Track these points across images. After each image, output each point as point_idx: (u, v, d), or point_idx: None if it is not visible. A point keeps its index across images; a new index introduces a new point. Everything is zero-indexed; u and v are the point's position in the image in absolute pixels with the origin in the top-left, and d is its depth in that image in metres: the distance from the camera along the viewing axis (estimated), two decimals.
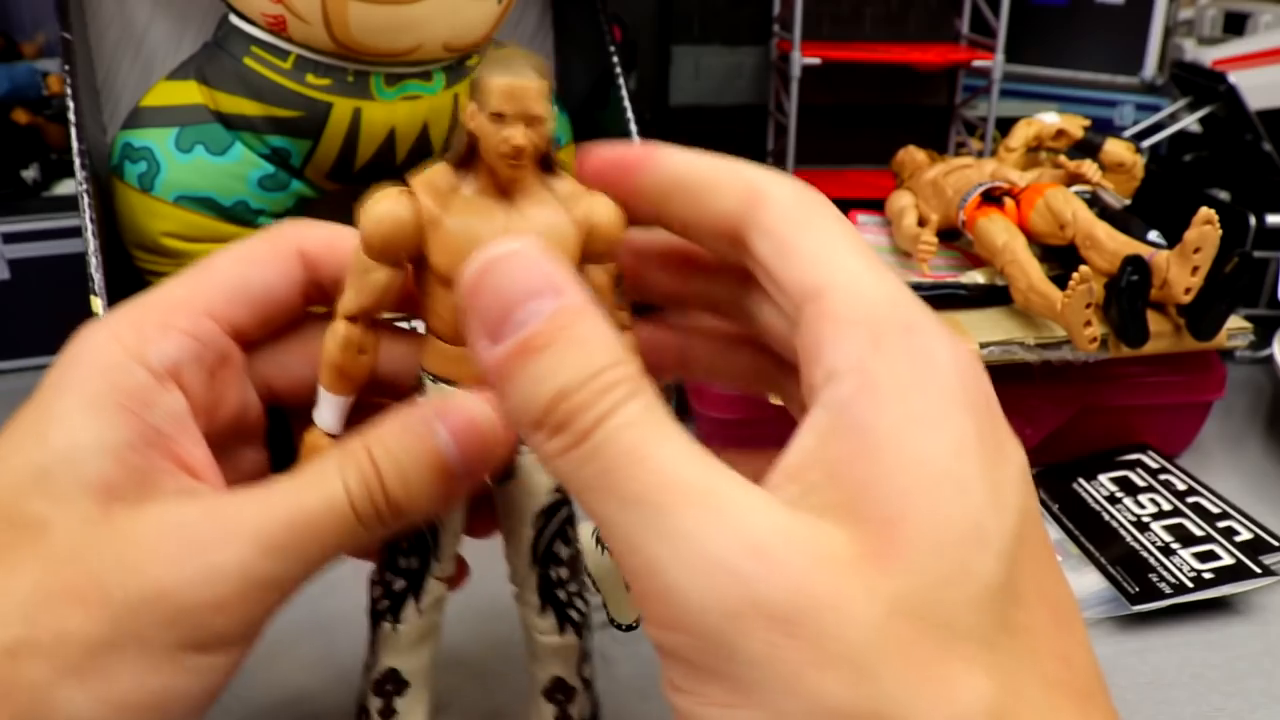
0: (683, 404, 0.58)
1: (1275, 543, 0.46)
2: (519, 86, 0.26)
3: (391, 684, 0.31)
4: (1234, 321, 0.51)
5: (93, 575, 0.24)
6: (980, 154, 0.72)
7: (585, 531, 0.35)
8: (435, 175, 0.29)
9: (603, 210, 0.29)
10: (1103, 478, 0.52)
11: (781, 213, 0.26)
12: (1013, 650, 0.21)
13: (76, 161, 0.50)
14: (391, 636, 0.30)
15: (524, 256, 0.23)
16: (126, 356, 0.27)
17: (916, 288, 0.53)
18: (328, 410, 0.30)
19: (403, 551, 0.30)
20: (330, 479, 0.26)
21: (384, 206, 0.28)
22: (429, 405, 0.27)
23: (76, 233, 0.61)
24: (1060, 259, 0.54)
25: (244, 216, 0.54)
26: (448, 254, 0.27)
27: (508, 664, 0.39)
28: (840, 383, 0.22)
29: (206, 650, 0.25)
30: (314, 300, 0.31)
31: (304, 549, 0.26)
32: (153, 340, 0.27)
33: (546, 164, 0.29)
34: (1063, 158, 0.59)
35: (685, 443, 0.21)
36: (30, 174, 0.68)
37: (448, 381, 0.29)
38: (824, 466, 0.21)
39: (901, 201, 0.60)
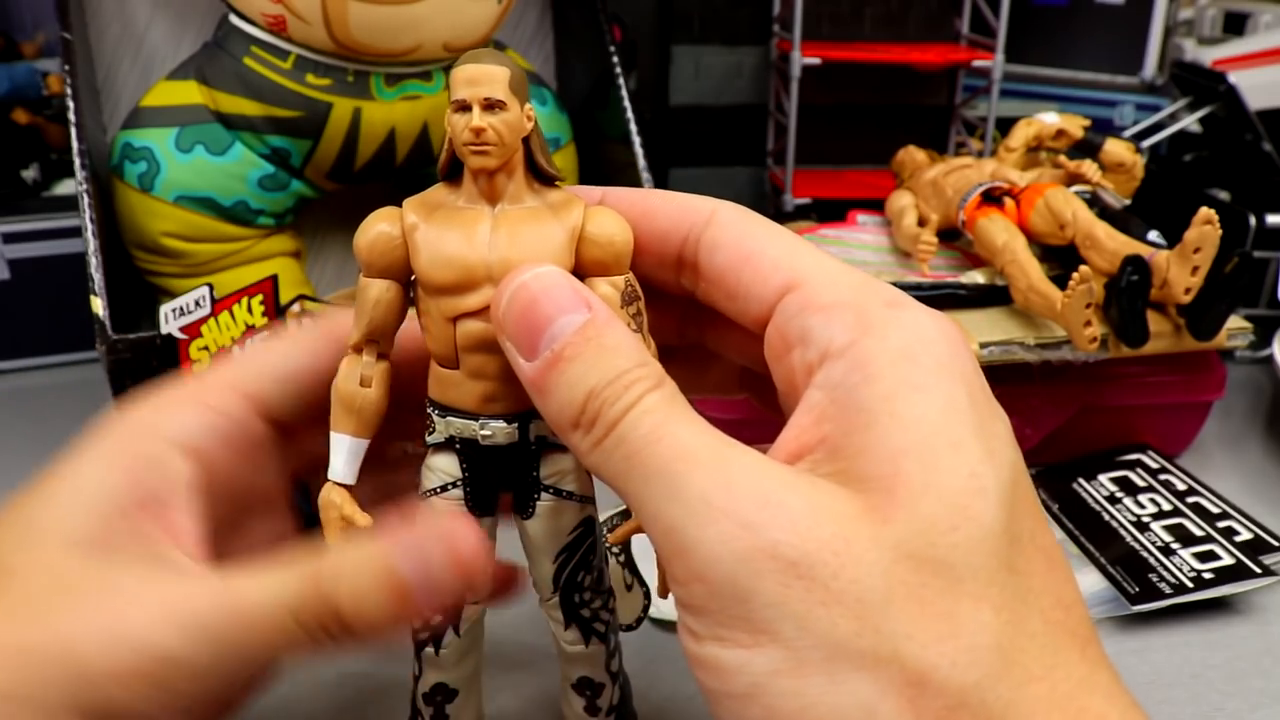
0: None
1: (1275, 543, 0.46)
2: (475, 71, 0.27)
3: (441, 695, 0.32)
4: (1234, 321, 0.51)
5: (14, 626, 0.24)
6: (980, 154, 0.72)
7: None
8: (430, 192, 0.29)
9: (602, 222, 0.28)
10: (1103, 478, 0.52)
11: (731, 226, 0.27)
12: (1016, 589, 0.22)
13: (76, 161, 0.50)
14: (435, 659, 0.31)
15: (550, 278, 0.25)
16: (146, 427, 0.28)
17: (916, 288, 0.53)
18: (337, 457, 0.29)
19: None
20: (279, 575, 0.25)
21: (373, 221, 0.28)
22: (396, 526, 0.26)
23: (76, 233, 0.61)
24: (1060, 259, 0.54)
25: (244, 216, 0.54)
26: (427, 260, 0.27)
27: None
28: (833, 362, 0.23)
29: None
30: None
31: (230, 640, 0.24)
32: (177, 414, 0.28)
33: (537, 172, 0.29)
34: (1063, 158, 0.59)
35: (700, 424, 0.23)
36: (30, 174, 0.68)
37: (440, 407, 0.29)
38: (823, 442, 0.23)
39: (901, 201, 0.60)
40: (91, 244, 0.48)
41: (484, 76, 0.27)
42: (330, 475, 0.29)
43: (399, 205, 0.29)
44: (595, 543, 0.31)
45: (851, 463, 0.22)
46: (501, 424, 0.28)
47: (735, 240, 0.27)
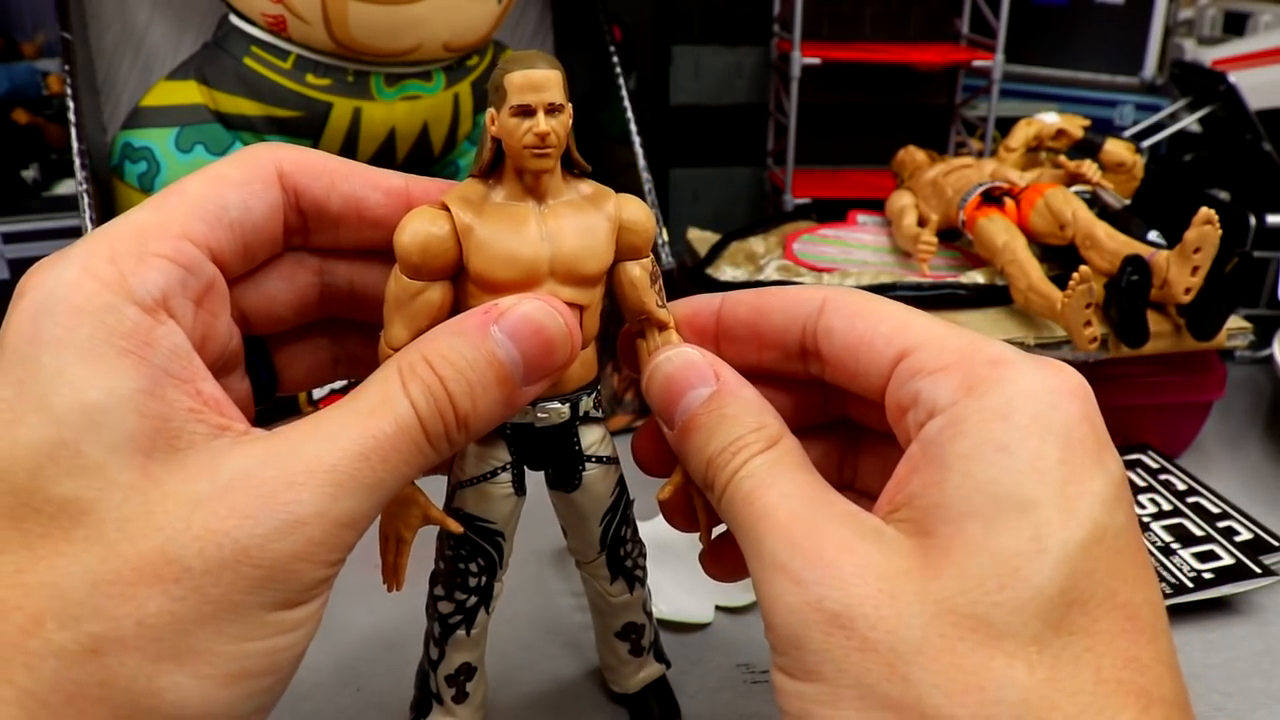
0: None
1: (1275, 543, 0.46)
2: (537, 76, 0.27)
3: (464, 674, 0.34)
4: (1234, 321, 0.51)
5: (160, 549, 0.22)
6: (980, 154, 0.72)
7: None
8: (465, 188, 0.29)
9: (634, 209, 0.30)
10: None
11: (842, 311, 0.29)
12: (1064, 648, 0.22)
13: (76, 161, 0.50)
14: (465, 640, 0.33)
15: (683, 356, 0.29)
16: (110, 294, 0.23)
17: (916, 288, 0.53)
18: None
19: (473, 573, 0.32)
20: (396, 401, 0.25)
21: (418, 224, 0.28)
22: (480, 310, 0.27)
23: (76, 233, 0.61)
24: (1060, 259, 0.54)
25: None
26: (485, 260, 0.28)
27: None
28: (934, 420, 0.25)
29: (297, 604, 0.24)
30: (293, 227, 0.29)
31: (378, 480, 0.24)
32: (134, 272, 0.24)
33: (569, 165, 0.30)
34: (1063, 158, 0.59)
35: (796, 483, 0.26)
36: (30, 174, 0.68)
37: None
38: (908, 493, 0.25)
39: (901, 201, 0.60)
40: None
41: (545, 81, 0.28)
42: None
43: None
44: (629, 498, 0.34)
45: (925, 516, 0.24)
46: (556, 405, 0.30)
47: (847, 324, 0.28)
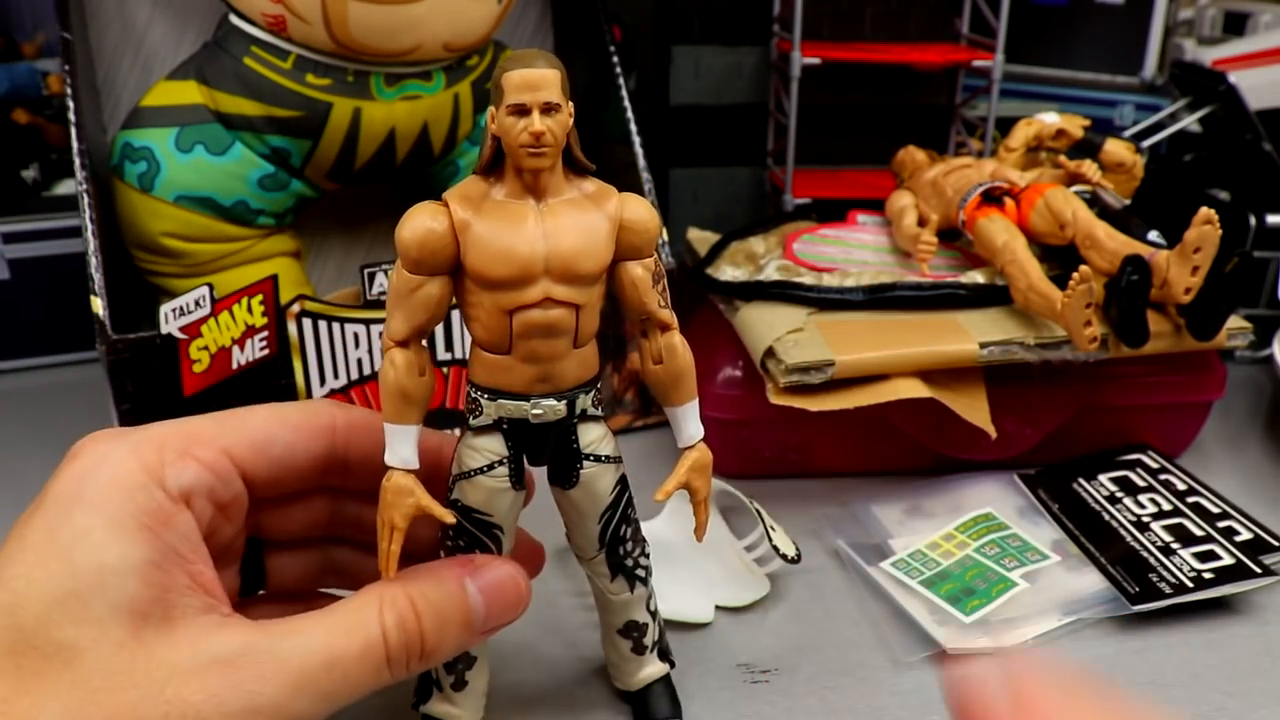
0: None
1: (1275, 542, 0.46)
2: (534, 75, 0.28)
3: (463, 663, 0.34)
4: (1234, 321, 0.51)
5: (133, 704, 0.25)
6: (980, 154, 0.71)
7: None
8: (466, 186, 0.30)
9: (636, 208, 0.30)
10: (1103, 478, 0.52)
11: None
12: None
13: (76, 161, 0.50)
14: None
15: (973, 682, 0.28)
16: (147, 477, 0.28)
17: (916, 287, 0.53)
18: (402, 445, 0.30)
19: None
20: (369, 622, 0.28)
21: (417, 219, 0.29)
22: (458, 562, 0.31)
23: (76, 233, 0.61)
24: (1060, 259, 0.54)
25: (244, 216, 0.54)
26: (481, 256, 0.29)
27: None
28: None
29: None
30: (333, 471, 0.33)
31: (334, 690, 0.27)
32: (173, 464, 0.28)
33: (571, 163, 0.30)
34: (1062, 157, 0.59)
35: None
36: (30, 174, 0.68)
37: (489, 391, 0.31)
38: None
39: (901, 201, 0.60)
40: (91, 244, 0.48)
41: (542, 81, 0.28)
42: (399, 464, 0.30)
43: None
44: (630, 498, 0.34)
45: None
46: (552, 402, 0.31)
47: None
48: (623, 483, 0.34)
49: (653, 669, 0.37)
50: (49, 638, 0.25)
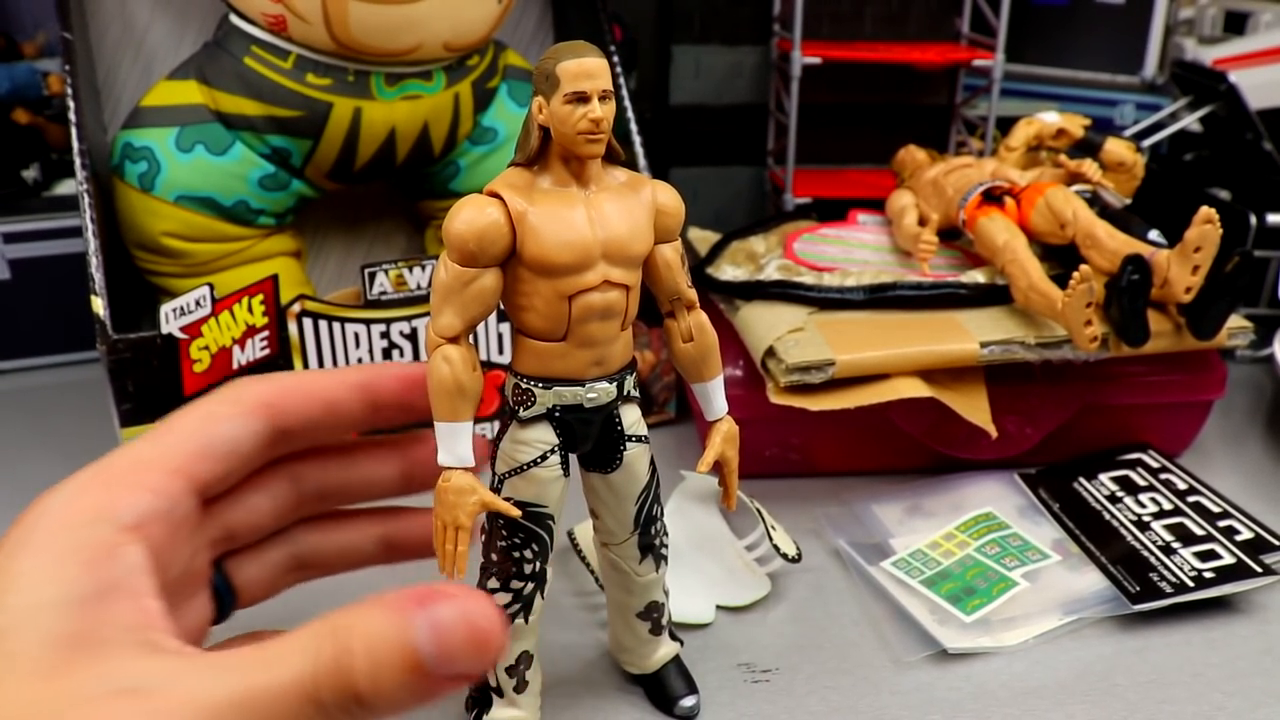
0: (683, 404, 0.58)
1: (1276, 542, 0.46)
2: (590, 64, 0.29)
3: (523, 662, 0.35)
4: (1234, 321, 0.51)
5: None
6: (980, 153, 0.71)
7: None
8: (511, 176, 0.30)
9: (667, 194, 0.32)
10: (1103, 477, 0.52)
11: None
12: None
13: (76, 161, 0.50)
14: (524, 628, 0.34)
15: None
16: (94, 514, 0.28)
17: (917, 287, 0.53)
18: (458, 443, 0.30)
19: (528, 559, 0.33)
20: (294, 660, 0.25)
21: (471, 211, 0.29)
22: (416, 593, 0.25)
23: (76, 233, 0.61)
24: (1060, 258, 0.54)
25: (244, 216, 0.54)
26: (541, 244, 0.29)
27: None
28: None
29: None
30: (277, 443, 0.33)
31: None
32: (121, 498, 0.28)
33: (607, 152, 0.31)
34: (1063, 157, 0.59)
35: None
36: (30, 174, 0.68)
37: (544, 380, 0.31)
38: None
39: (902, 201, 0.60)
40: (92, 244, 0.48)
41: (598, 69, 0.29)
42: (456, 463, 0.30)
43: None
44: (658, 479, 0.35)
45: None
46: (605, 384, 0.32)
47: None
48: (654, 462, 0.35)
49: (666, 649, 0.38)
50: None
